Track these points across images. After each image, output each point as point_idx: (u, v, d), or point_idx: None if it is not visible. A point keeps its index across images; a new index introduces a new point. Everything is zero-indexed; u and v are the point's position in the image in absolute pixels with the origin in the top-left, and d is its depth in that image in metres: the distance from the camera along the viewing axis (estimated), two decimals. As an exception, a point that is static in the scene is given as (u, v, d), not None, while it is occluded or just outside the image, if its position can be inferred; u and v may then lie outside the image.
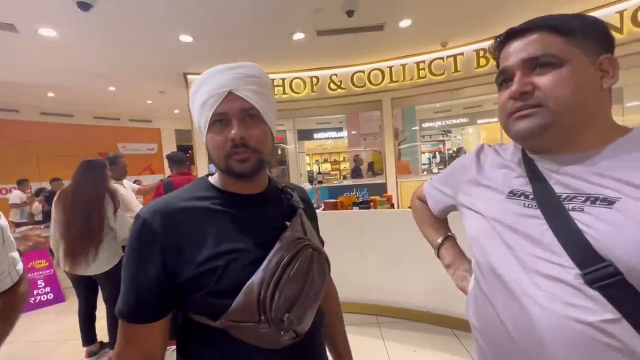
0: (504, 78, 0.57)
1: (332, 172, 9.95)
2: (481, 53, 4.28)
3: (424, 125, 10.44)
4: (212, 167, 0.66)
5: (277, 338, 0.56)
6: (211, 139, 0.59)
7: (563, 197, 0.50)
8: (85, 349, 2.40)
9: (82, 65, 4.35)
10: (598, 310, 0.42)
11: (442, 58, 4.53)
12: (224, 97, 0.56)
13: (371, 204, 2.92)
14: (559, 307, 0.45)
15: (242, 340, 0.56)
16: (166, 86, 5.81)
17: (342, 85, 4.89)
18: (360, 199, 3.10)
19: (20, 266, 0.65)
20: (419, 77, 4.61)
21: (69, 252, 2.12)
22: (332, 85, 4.89)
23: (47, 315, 3.30)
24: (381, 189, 4.46)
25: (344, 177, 8.63)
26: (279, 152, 10.93)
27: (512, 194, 0.58)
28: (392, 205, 3.11)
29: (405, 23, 3.70)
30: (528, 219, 0.52)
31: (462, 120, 10.12)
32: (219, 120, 0.57)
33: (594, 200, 0.47)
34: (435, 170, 9.69)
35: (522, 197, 0.56)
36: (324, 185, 5.48)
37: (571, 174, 0.52)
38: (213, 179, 0.66)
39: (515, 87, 0.53)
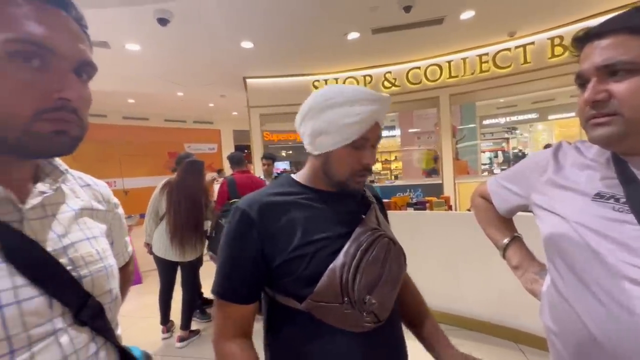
0: (580, 82, 0.55)
1: (382, 172, 9.74)
2: (557, 41, 3.84)
3: (484, 122, 9.69)
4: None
5: (360, 319, 0.60)
6: (342, 154, 0.65)
7: None
8: (161, 326, 2.70)
9: (158, 73, 4.87)
10: None
11: (508, 49, 4.17)
12: (372, 126, 0.64)
13: (427, 205, 2.81)
14: None
15: (325, 323, 0.61)
16: (227, 90, 6.23)
17: (396, 83, 4.77)
18: (414, 200, 3.01)
19: (130, 249, 0.77)
20: (482, 71, 4.30)
21: (179, 241, 2.47)
22: (386, 83, 4.80)
23: (128, 294, 3.76)
24: (437, 189, 4.26)
25: (396, 177, 8.40)
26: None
27: (600, 197, 0.54)
28: (450, 207, 2.97)
29: (467, 14, 3.48)
30: (619, 224, 0.50)
31: (530, 116, 9.18)
32: (358, 144, 0.64)
33: None
34: (497, 170, 8.95)
35: (611, 200, 0.53)
36: (375, 184, 5.42)
37: None
38: (296, 177, 0.74)
39: (588, 95, 0.51)
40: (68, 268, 0.47)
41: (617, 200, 0.52)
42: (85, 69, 0.47)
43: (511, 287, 2.17)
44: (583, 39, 0.55)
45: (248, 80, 5.07)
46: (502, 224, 0.84)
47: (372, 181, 5.99)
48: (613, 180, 0.54)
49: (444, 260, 2.47)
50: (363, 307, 0.59)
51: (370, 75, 4.86)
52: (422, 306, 0.81)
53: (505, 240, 0.81)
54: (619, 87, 0.49)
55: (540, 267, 0.75)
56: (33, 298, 0.41)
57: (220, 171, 5.92)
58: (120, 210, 0.71)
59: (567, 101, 7.80)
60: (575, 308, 0.52)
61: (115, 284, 0.56)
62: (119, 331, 0.57)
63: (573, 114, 8.12)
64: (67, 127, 0.44)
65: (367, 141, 0.65)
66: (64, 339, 0.44)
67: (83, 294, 0.47)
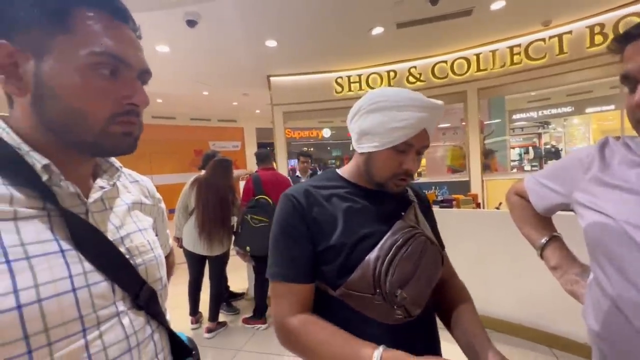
0: (628, 83, 0.53)
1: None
2: (597, 29, 3.59)
3: (513, 116, 9.27)
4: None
5: (390, 312, 0.62)
6: (386, 157, 0.67)
7: None
8: (190, 317, 2.82)
9: (185, 74, 5.03)
10: None
11: (542, 39, 3.94)
12: (419, 132, 0.65)
13: (454, 203, 2.74)
14: None
15: (357, 311, 0.63)
16: (250, 88, 6.34)
17: (421, 78, 4.65)
18: (440, 197, 2.94)
19: (171, 241, 0.82)
20: (512, 64, 4.10)
21: (207, 235, 2.58)
22: (410, 79, 4.70)
23: (159, 286, 3.95)
24: (463, 186, 4.13)
25: (419, 174, 8.24)
26: (351, 148, 10.96)
27: None
28: (478, 205, 2.88)
29: (497, 4, 3.33)
30: None
31: (565, 109, 8.67)
32: (402, 148, 0.66)
33: None
34: (527, 167, 8.54)
35: None
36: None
37: None
38: (341, 171, 0.78)
39: (637, 99, 0.49)
40: (126, 257, 0.51)
41: None
42: (145, 76, 0.52)
43: (543, 289, 2.10)
44: (625, 39, 0.52)
45: (272, 79, 5.12)
46: (540, 223, 0.81)
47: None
48: None
49: (472, 260, 2.40)
50: (394, 300, 0.61)
51: (394, 71, 4.78)
52: (463, 304, 0.76)
53: (544, 240, 0.78)
54: None
55: (582, 268, 0.72)
56: (99, 282, 0.45)
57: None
58: (163, 205, 0.76)
59: (607, 93, 7.29)
60: (623, 308, 0.50)
61: (164, 272, 0.60)
62: (168, 316, 0.61)
63: (613, 106, 7.60)
64: (132, 129, 0.50)
65: (411, 147, 0.66)
66: (126, 320, 0.48)
67: (139, 281, 0.51)
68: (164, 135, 8.71)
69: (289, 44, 3.99)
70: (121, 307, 0.48)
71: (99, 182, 0.54)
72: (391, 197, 0.74)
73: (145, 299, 0.51)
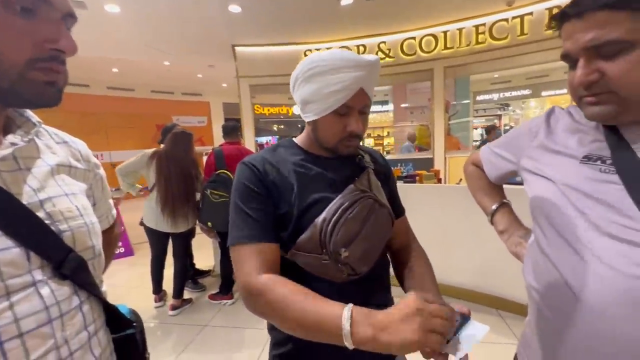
0: (568, 61, 0.54)
1: (374, 148, 9.72)
2: (555, 11, 3.74)
3: (478, 98, 9.62)
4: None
5: (335, 270, 0.65)
6: (328, 122, 0.68)
7: None
8: (154, 295, 2.75)
9: (141, 39, 4.63)
10: None
11: (506, 20, 4.05)
12: (356, 92, 0.65)
13: (417, 178, 2.83)
14: (634, 269, 0.45)
15: (307, 271, 0.67)
16: (215, 60, 5.99)
17: (390, 54, 4.64)
18: (405, 173, 3.02)
19: (114, 212, 0.76)
20: (477, 43, 4.20)
21: (171, 212, 2.46)
22: (380, 54, 4.66)
23: (120, 266, 3.80)
24: (428, 164, 4.28)
25: (388, 153, 8.41)
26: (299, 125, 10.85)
27: (587, 159, 0.55)
28: (440, 181, 3.00)
29: (465, -20, 3.34)
30: (604, 184, 0.51)
31: (523, 92, 9.14)
32: (343, 111, 0.67)
33: None
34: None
35: (598, 162, 0.54)
36: (367, 159, 5.39)
37: None
38: (297, 140, 0.78)
39: (579, 78, 0.50)
40: (46, 222, 0.46)
41: (603, 162, 0.53)
42: (69, 20, 0.47)
43: (494, 257, 2.27)
44: (561, 18, 0.52)
45: (237, 49, 4.86)
46: (492, 191, 0.86)
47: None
48: (602, 143, 0.55)
49: (432, 232, 2.51)
50: (338, 259, 0.64)
51: (364, 45, 4.71)
52: (420, 267, 0.77)
53: (494, 206, 0.82)
54: (611, 67, 0.48)
55: (525, 230, 0.77)
56: (9, 249, 0.41)
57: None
58: (102, 172, 0.69)
59: (561, 77, 7.74)
60: (557, 264, 0.53)
61: (97, 241, 0.55)
62: (104, 288, 0.56)
63: (565, 90, 8.08)
64: (56, 78, 0.45)
65: (351, 109, 0.67)
66: (45, 290, 0.43)
67: (63, 248, 0.47)
68: (121, 108, 8.08)
69: (253, 10, 3.77)
70: (39, 276, 0.43)
71: (10, 138, 0.47)
72: (346, 164, 0.75)
73: (71, 267, 0.47)
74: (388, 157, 5.23)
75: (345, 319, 0.50)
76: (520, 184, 0.73)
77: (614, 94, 0.48)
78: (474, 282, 2.46)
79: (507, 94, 9.41)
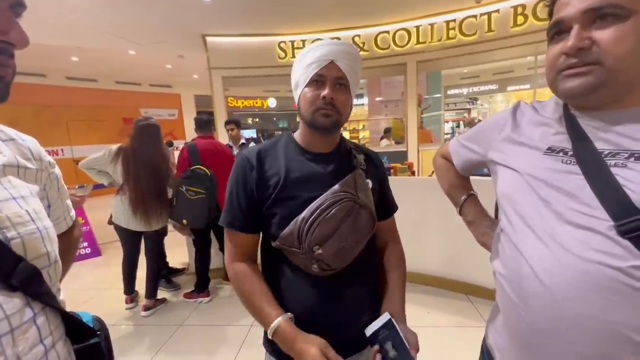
0: (557, 30, 0.54)
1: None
2: (519, 10, 3.91)
3: (449, 92, 9.93)
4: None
5: (309, 265, 0.72)
6: (305, 93, 0.74)
7: (605, 153, 0.51)
8: (125, 296, 2.63)
9: (102, 25, 4.34)
10: (628, 257, 0.45)
11: (474, 16, 4.18)
12: (326, 64, 0.71)
13: (391, 170, 2.89)
14: (591, 254, 0.48)
15: (291, 261, 0.74)
16: (185, 50, 5.74)
17: (365, 47, 4.67)
18: (380, 166, 3.07)
19: (73, 213, 0.71)
20: (448, 38, 4.31)
21: (144, 212, 2.34)
22: (354, 48, 4.68)
23: (87, 267, 3.61)
24: (402, 156, 4.37)
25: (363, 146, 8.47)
26: (297, 119, 10.79)
27: (550, 150, 0.58)
28: (413, 173, 3.07)
29: (436, -24, 3.41)
30: (566, 175, 0.54)
31: (490, 87, 9.53)
32: (316, 80, 0.72)
33: (638, 156, 0.48)
34: (458, 139, 9.32)
35: (560, 154, 0.56)
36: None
37: (616, 131, 0.52)
38: (295, 135, 0.82)
39: (572, 42, 0.50)
40: None
41: (565, 153, 0.56)
42: (18, 8, 0.43)
43: (464, 246, 2.38)
44: None
45: (208, 39, 4.69)
46: (460, 182, 0.88)
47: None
48: (564, 135, 0.58)
49: (406, 223, 2.58)
50: (312, 254, 0.70)
51: (338, 38, 4.69)
52: (392, 270, 0.85)
53: (462, 198, 0.85)
54: (603, 35, 0.48)
55: (491, 221, 0.80)
56: None
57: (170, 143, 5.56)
58: (57, 171, 0.64)
59: (525, 73, 8.16)
60: (522, 251, 0.56)
61: (53, 247, 0.51)
62: (61, 297, 0.53)
63: (528, 85, 8.56)
64: (4, 72, 0.42)
65: (323, 77, 0.72)
66: None
67: (11, 257, 0.43)
68: (83, 100, 7.58)
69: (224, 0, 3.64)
70: None
71: None
72: (339, 162, 0.79)
73: (21, 278, 0.43)
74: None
75: (274, 325, 0.67)
76: (487, 175, 0.76)
77: (599, 65, 0.49)
78: (445, 269, 2.56)
79: (476, 89, 9.78)
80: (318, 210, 0.69)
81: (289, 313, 0.70)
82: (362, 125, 10.45)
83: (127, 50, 5.72)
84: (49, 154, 0.62)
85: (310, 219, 0.69)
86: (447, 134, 8.05)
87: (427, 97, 7.17)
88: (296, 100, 0.78)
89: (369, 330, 0.70)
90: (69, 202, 0.69)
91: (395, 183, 2.81)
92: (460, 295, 2.47)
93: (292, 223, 0.70)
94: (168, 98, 9.29)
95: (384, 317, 0.70)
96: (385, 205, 0.88)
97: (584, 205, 0.50)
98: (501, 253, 0.63)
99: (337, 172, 0.77)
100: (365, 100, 9.58)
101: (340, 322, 0.75)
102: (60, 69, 7.06)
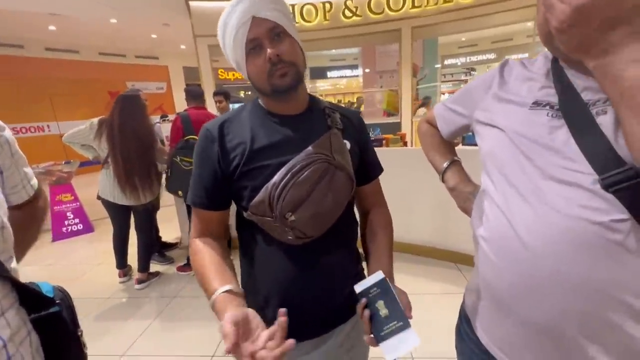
0: None
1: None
2: (520, -30, 3.70)
3: (446, 62, 9.66)
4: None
5: (284, 233, 0.66)
6: (251, 66, 0.66)
7: (590, 103, 0.49)
8: (118, 270, 2.65)
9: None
10: (610, 210, 0.44)
11: (473, -23, 3.96)
12: (250, 23, 0.62)
13: (383, 142, 2.84)
14: (575, 210, 0.46)
15: (266, 233, 0.70)
16: (169, 17, 5.43)
17: (357, 12, 4.44)
18: (372, 138, 3.02)
19: (34, 181, 0.66)
20: (445, 2, 4.11)
21: (132, 187, 2.29)
22: (347, 12, 4.44)
23: (80, 243, 3.62)
24: (396, 128, 4.30)
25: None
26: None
27: (536, 105, 0.55)
28: (405, 144, 3.03)
29: None
30: (551, 130, 0.51)
31: (489, 56, 9.27)
32: (252, 48, 0.64)
33: None
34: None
35: (547, 107, 0.54)
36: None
37: None
38: (261, 101, 0.75)
39: None
40: None
41: (552, 107, 0.53)
42: None
43: (454, 216, 2.39)
44: None
45: (192, 3, 4.42)
46: (444, 148, 0.86)
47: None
48: (550, 89, 0.55)
49: (398, 194, 2.58)
50: (285, 222, 0.65)
51: (330, 2, 4.46)
52: (379, 233, 0.81)
53: (445, 164, 0.83)
54: None
55: (473, 187, 0.78)
56: None
57: (164, 117, 5.43)
58: (8, 134, 0.59)
59: (524, 41, 7.91)
60: (505, 212, 0.54)
61: (0, 213, 0.47)
62: (13, 264, 0.50)
63: (527, 54, 8.33)
64: None
65: (256, 39, 0.64)
66: None
67: None
68: (65, 72, 7.24)
69: (208, -41, 3.38)
70: None
71: None
72: (308, 124, 0.72)
73: None
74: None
75: (214, 296, 0.60)
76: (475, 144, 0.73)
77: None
78: (434, 239, 2.59)
79: (474, 58, 9.52)
80: (289, 174, 0.64)
81: (230, 285, 0.62)
82: (357, 97, 10.24)
83: (108, 18, 5.39)
84: (35, 131, 0.56)
85: (282, 184, 0.63)
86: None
87: (422, 67, 6.95)
88: (247, 78, 0.70)
89: (359, 287, 0.66)
90: (28, 170, 0.65)
91: (386, 154, 2.80)
92: (448, 264, 2.52)
93: (262, 190, 0.65)
94: (155, 70, 8.94)
95: (377, 276, 0.65)
96: (368, 168, 0.83)
97: (569, 160, 0.48)
98: (483, 216, 0.61)
99: (309, 134, 0.70)
100: (359, 71, 9.30)
101: (322, 294, 0.73)
102: (38, 40, 6.70)
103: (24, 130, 6.59)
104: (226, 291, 0.60)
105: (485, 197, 0.61)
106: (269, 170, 0.66)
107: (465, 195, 0.77)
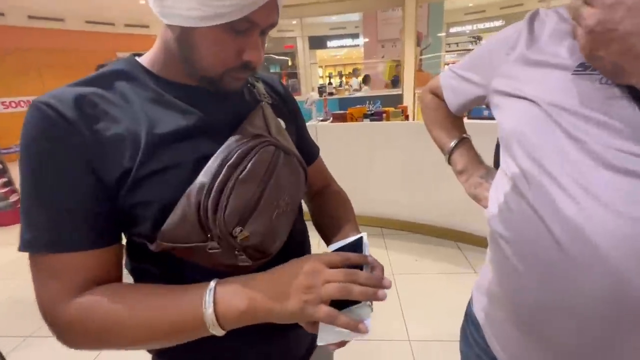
0: None
1: (346, 87, 9.30)
2: None
3: (451, 30, 9.18)
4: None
5: (232, 259, 0.44)
6: (216, 40, 0.41)
7: None
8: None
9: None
10: None
11: None
12: (264, 4, 0.40)
13: (384, 115, 2.69)
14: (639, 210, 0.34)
15: (190, 266, 0.45)
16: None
17: (358, -26, 4.10)
18: (372, 111, 2.86)
19: None
20: (453, -39, 3.77)
21: None
22: (347, -26, 4.11)
23: None
24: (397, 100, 4.10)
25: (356, 91, 8.12)
26: (289, 63, 10.11)
27: (583, 68, 0.42)
28: (407, 117, 2.88)
29: None
30: (605, 101, 0.39)
31: (496, 23, 8.78)
32: (240, 31, 0.42)
33: None
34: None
35: (597, 71, 0.40)
36: (335, 96, 5.13)
37: None
38: (143, 60, 0.48)
39: None
40: None
41: None
42: None
43: (455, 194, 2.30)
44: None
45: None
46: (451, 124, 0.73)
47: (331, 93, 5.65)
48: None
49: (397, 170, 2.48)
50: (233, 242, 0.43)
51: (329, -37, 4.11)
52: (336, 211, 0.64)
53: (452, 143, 0.71)
54: None
55: (486, 170, 0.67)
56: None
57: None
58: None
59: (535, 6, 7.45)
60: (537, 208, 0.43)
61: None
62: None
63: (538, 21, 7.88)
64: None
65: (253, 26, 0.42)
66: None
67: None
68: (51, 42, 6.89)
69: None
70: None
71: None
72: (227, 98, 0.50)
73: None
74: (358, 94, 5.00)
75: (207, 303, 0.39)
76: (489, 118, 0.60)
77: None
78: (435, 218, 2.52)
79: (481, 26, 9.04)
80: (225, 169, 0.42)
81: (213, 280, 0.42)
82: (352, 69, 9.86)
83: (90, -19, 5.03)
84: (25, 105, 0.43)
85: (216, 186, 0.41)
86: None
87: (426, 35, 6.60)
88: (166, 15, 0.41)
89: (333, 247, 0.53)
90: None
91: (386, 128, 2.65)
92: (449, 242, 2.46)
93: (181, 202, 0.41)
94: (147, 40, 8.51)
95: (355, 236, 0.52)
96: (307, 147, 0.66)
97: (633, 143, 0.36)
98: (505, 211, 0.50)
99: (232, 112, 0.49)
100: (360, 40, 8.87)
101: (285, 343, 0.55)
102: (19, 7, 6.31)
103: (13, 105, 6.40)
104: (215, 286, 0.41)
105: (511, 189, 0.49)
106: (185, 171, 0.42)
107: (477, 180, 0.66)
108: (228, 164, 0.42)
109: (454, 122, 0.74)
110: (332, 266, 0.41)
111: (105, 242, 0.42)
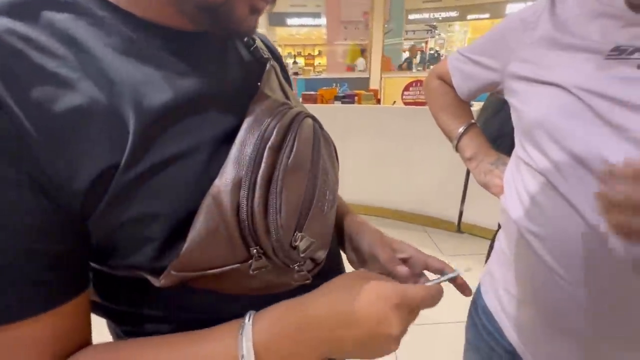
0: None
1: (305, 68, 9.08)
2: None
3: (409, 17, 9.32)
4: None
5: (285, 276, 0.32)
6: None
7: None
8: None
9: None
10: None
11: None
12: None
13: (355, 98, 2.63)
14: None
15: (214, 291, 0.30)
16: None
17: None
18: (343, 93, 2.79)
19: None
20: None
21: None
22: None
23: None
24: (363, 83, 4.06)
25: (320, 73, 7.99)
26: (245, 39, 9.51)
27: (618, 52, 0.40)
28: (379, 101, 2.87)
29: None
30: None
31: (451, 13, 9.12)
32: None
33: None
34: (414, 70, 9.19)
35: (635, 55, 0.38)
36: (300, 77, 4.95)
37: None
38: None
39: None
40: None
41: None
42: None
43: (424, 179, 2.36)
44: None
45: None
46: (458, 110, 0.71)
47: (297, 73, 5.44)
48: (638, 27, 0.40)
49: (372, 155, 2.47)
50: (293, 254, 0.30)
51: None
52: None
53: (461, 129, 0.68)
54: None
55: (497, 156, 0.65)
56: None
57: None
58: None
59: (485, 1, 7.86)
60: (577, 204, 0.40)
61: None
62: None
63: (488, 15, 8.35)
64: None
65: None
66: None
67: None
68: None
69: None
70: None
71: None
72: (223, 50, 0.35)
73: None
74: (322, 75, 4.88)
75: (246, 349, 0.26)
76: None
77: None
78: (406, 204, 2.57)
79: (437, 15, 9.33)
80: (267, 152, 0.29)
81: (251, 312, 0.29)
82: (318, 50, 9.63)
83: None
84: None
85: (259, 178, 0.28)
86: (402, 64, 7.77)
87: (388, 20, 6.64)
88: None
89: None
90: None
91: (358, 111, 2.60)
92: (417, 226, 2.53)
93: (205, 209, 0.26)
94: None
95: (452, 274, 0.42)
96: None
97: None
98: (534, 205, 0.47)
99: (240, 72, 0.35)
100: (322, 20, 8.63)
101: None
102: None
103: None
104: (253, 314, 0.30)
105: (541, 183, 0.46)
106: (202, 161, 0.28)
107: (487, 167, 0.64)
108: (268, 145, 0.29)
109: (461, 108, 0.71)
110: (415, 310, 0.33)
111: (72, 290, 0.26)
